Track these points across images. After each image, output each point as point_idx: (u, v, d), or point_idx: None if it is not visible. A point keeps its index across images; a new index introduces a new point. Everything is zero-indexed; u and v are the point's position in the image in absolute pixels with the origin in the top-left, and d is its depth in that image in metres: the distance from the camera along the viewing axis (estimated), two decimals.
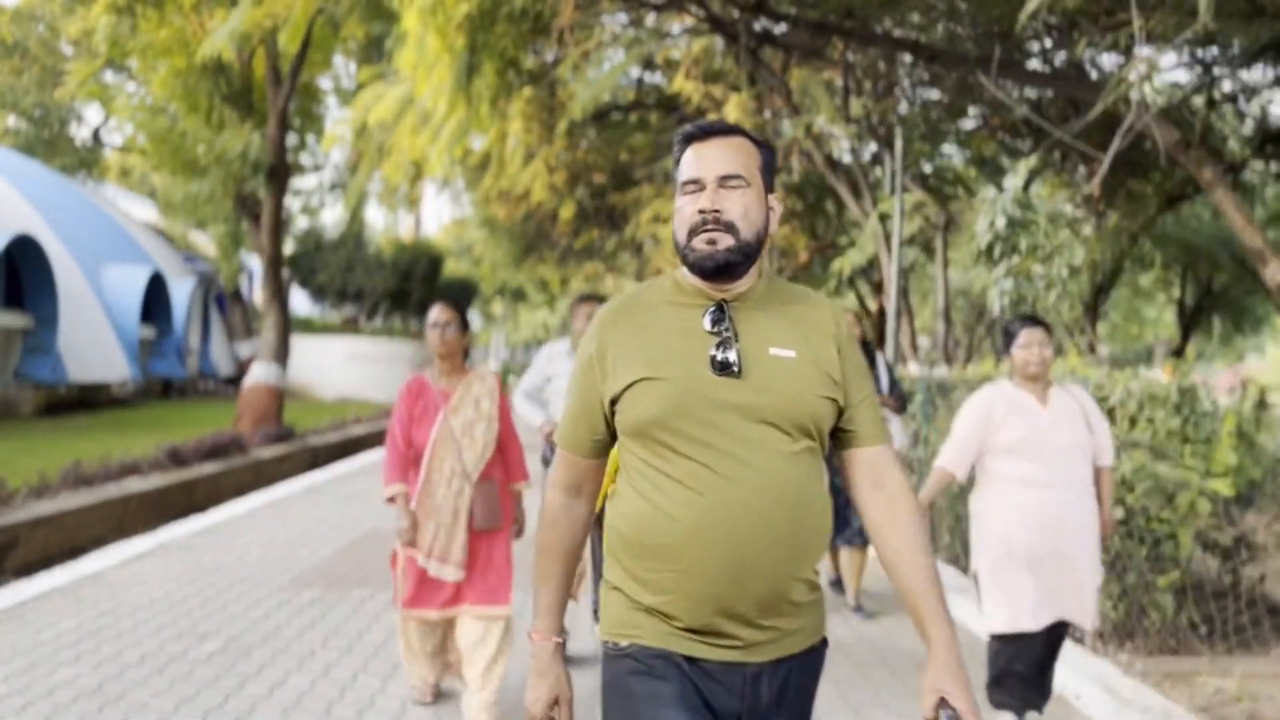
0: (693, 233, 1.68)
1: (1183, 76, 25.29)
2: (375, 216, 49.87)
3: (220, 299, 26.90)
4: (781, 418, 1.65)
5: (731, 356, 1.65)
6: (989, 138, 13.11)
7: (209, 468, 10.97)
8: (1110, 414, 5.09)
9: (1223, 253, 15.25)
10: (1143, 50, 6.57)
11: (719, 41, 12.96)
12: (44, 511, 7.75)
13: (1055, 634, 3.55)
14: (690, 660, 1.66)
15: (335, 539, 7.37)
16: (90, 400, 18.61)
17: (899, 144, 10.41)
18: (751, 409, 1.64)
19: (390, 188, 24.50)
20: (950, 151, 14.93)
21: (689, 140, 1.74)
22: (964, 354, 14.24)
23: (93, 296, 19.42)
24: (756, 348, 1.68)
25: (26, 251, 16.34)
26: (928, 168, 14.70)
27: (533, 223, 20.25)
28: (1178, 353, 17.33)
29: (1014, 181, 8.32)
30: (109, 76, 23.07)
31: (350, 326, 30.71)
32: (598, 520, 1.88)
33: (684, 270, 1.75)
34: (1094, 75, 10.31)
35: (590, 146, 17.05)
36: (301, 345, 24.81)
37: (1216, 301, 19.14)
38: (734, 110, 11.86)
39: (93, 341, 18.60)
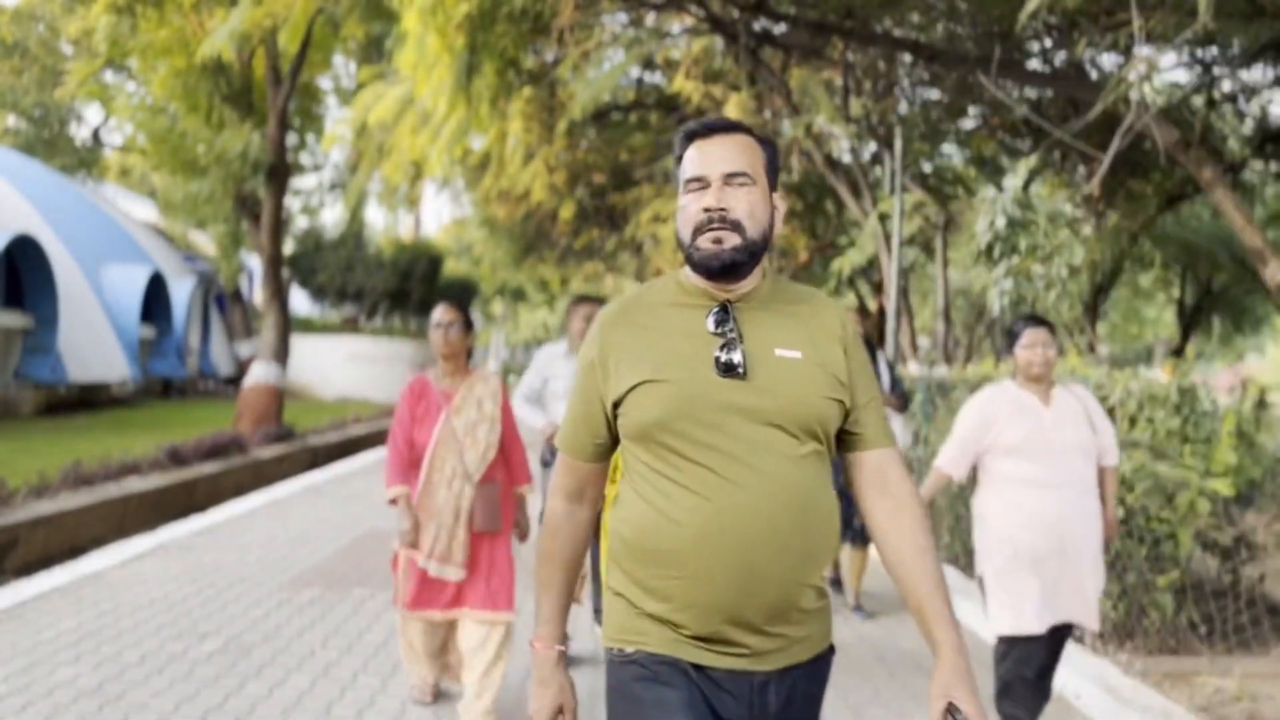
0: (698, 231, 1.64)
1: (1183, 76, 25.34)
2: (375, 216, 49.87)
3: (220, 299, 26.89)
4: (788, 420, 1.61)
5: (736, 358, 1.61)
6: (989, 138, 13.09)
7: (209, 468, 10.97)
8: (1110, 413, 5.10)
9: (1222, 252, 15.23)
10: (1142, 50, 6.57)
11: (719, 41, 12.95)
12: (44, 511, 7.75)
13: (1058, 637, 3.54)
14: (697, 668, 1.62)
15: (335, 539, 7.37)
16: (90, 400, 18.60)
17: (899, 144, 10.41)
18: (757, 411, 1.60)
19: (390, 187, 24.48)
20: (950, 151, 14.91)
21: (692, 137, 1.70)
22: (964, 354, 14.22)
23: (93, 296, 19.42)
24: (761, 349, 1.64)
25: (26, 251, 16.34)
26: (927, 167, 14.69)
27: (533, 223, 20.22)
28: (1177, 352, 17.33)
29: (1014, 181, 8.32)
30: (109, 76, 23.07)
31: (350, 326, 30.67)
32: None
33: (687, 270, 1.71)
34: (1094, 75, 10.30)
35: (590, 146, 17.03)
36: (301, 345, 24.81)
37: (1216, 301, 19.12)
38: (734, 110, 11.84)
39: (93, 341, 18.59)
